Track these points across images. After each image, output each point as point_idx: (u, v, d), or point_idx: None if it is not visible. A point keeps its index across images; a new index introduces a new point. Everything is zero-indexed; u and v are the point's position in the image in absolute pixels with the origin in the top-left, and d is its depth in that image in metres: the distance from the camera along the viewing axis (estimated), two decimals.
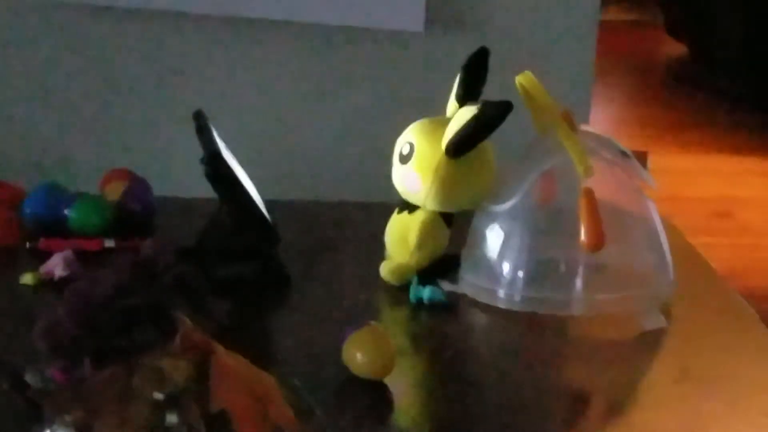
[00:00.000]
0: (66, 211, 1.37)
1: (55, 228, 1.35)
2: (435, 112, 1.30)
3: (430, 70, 1.70)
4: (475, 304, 1.24)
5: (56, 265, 1.25)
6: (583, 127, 1.29)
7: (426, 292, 1.24)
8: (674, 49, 4.83)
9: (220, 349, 0.86)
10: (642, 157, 1.31)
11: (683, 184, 3.30)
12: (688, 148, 3.74)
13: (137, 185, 1.41)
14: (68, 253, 1.27)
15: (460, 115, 1.24)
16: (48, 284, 1.23)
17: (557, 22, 1.75)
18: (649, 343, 1.20)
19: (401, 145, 1.28)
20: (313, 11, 1.69)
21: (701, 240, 1.58)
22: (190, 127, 1.31)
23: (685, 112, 4.15)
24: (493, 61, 1.28)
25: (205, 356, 0.84)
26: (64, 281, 1.21)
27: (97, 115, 1.69)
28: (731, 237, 3.10)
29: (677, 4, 4.80)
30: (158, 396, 0.82)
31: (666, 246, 1.27)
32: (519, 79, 1.25)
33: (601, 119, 3.56)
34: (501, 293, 1.23)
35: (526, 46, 1.72)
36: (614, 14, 4.74)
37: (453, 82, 1.29)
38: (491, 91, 1.28)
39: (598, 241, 1.19)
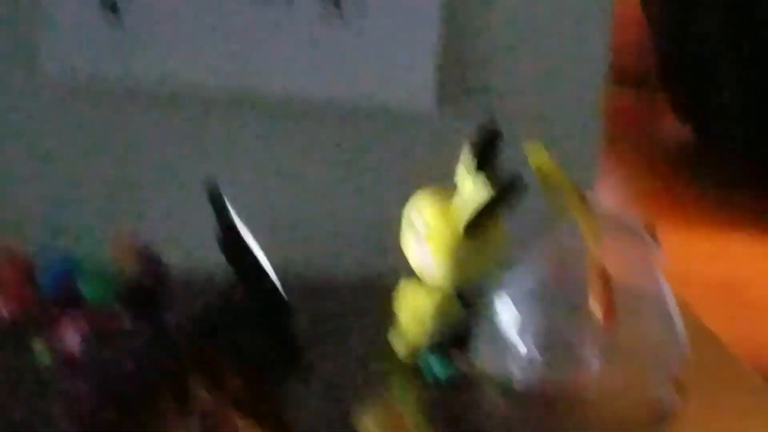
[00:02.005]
0: (80, 284, 1.37)
1: (69, 301, 1.35)
2: (448, 186, 1.31)
3: (441, 147, 1.71)
4: (489, 380, 1.23)
5: (71, 338, 1.25)
6: (594, 203, 1.30)
7: (439, 369, 1.24)
8: (680, 130, 4.87)
9: (237, 421, 0.86)
10: (652, 231, 1.31)
11: (691, 265, 3.30)
12: (695, 228, 3.75)
13: (150, 258, 1.41)
14: (82, 325, 1.27)
15: (476, 194, 1.24)
16: (63, 357, 1.23)
17: (566, 98, 1.77)
18: (664, 419, 1.19)
19: (412, 219, 1.29)
20: (323, 90, 1.71)
21: (710, 318, 1.58)
22: (203, 200, 1.32)
23: (692, 193, 4.17)
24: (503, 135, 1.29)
25: (222, 428, 0.85)
26: (78, 354, 1.21)
27: (109, 187, 1.69)
28: (739, 315, 3.09)
29: (682, 88, 4.84)
30: None
31: (678, 321, 1.27)
32: (532, 157, 1.26)
33: (609, 198, 3.57)
34: (515, 369, 1.23)
35: (535, 124, 1.74)
36: (619, 96, 4.78)
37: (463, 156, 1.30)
38: (501, 165, 1.29)
39: (611, 318, 1.20)
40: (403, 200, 1.34)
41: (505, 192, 1.22)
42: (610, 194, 3.78)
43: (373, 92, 1.71)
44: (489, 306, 1.26)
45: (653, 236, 1.32)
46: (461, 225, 1.24)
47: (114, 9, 1.65)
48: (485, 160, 1.29)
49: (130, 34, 1.67)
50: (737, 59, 4.28)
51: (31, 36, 1.64)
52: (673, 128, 4.90)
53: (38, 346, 1.24)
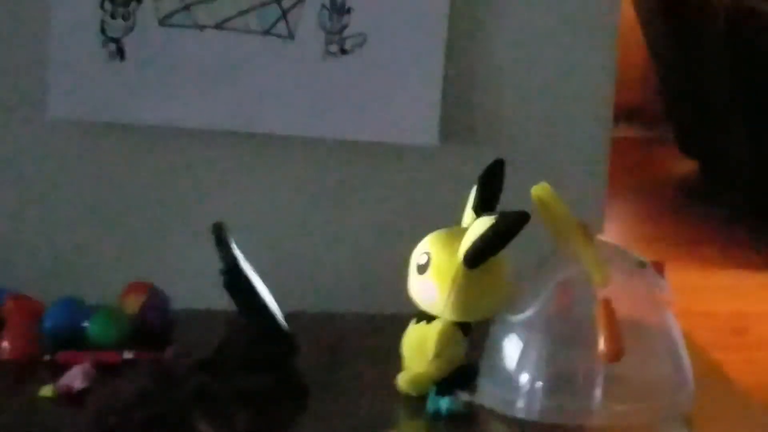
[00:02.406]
0: (85, 324, 1.37)
1: (74, 341, 1.36)
2: (451, 224, 1.32)
3: (445, 183, 1.71)
4: (494, 414, 1.23)
5: (75, 378, 1.25)
6: (599, 238, 1.30)
7: (444, 403, 1.23)
8: (686, 165, 4.86)
9: None
10: (659, 268, 1.31)
11: (698, 300, 3.29)
12: (702, 264, 3.75)
13: (156, 298, 1.42)
14: (87, 365, 1.27)
15: (477, 226, 1.25)
16: (67, 397, 1.23)
17: (571, 136, 1.77)
18: None
19: (418, 256, 1.29)
20: (327, 127, 1.71)
21: (717, 356, 1.57)
22: (208, 240, 1.32)
23: (699, 228, 4.17)
24: (507, 173, 1.29)
25: None
26: (83, 394, 1.21)
27: (114, 229, 1.70)
28: (747, 352, 3.08)
29: (688, 122, 4.85)
30: None
31: (685, 356, 1.27)
32: (535, 191, 1.26)
33: (615, 235, 3.57)
34: (520, 404, 1.22)
35: (539, 159, 1.74)
36: (625, 131, 4.79)
37: (468, 194, 1.31)
38: (505, 203, 1.30)
39: (617, 351, 1.19)
40: (408, 235, 1.34)
41: (506, 223, 1.22)
42: (616, 230, 3.78)
43: (376, 128, 1.71)
44: (493, 339, 1.26)
45: (660, 272, 1.32)
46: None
47: (121, 53, 1.67)
48: (489, 194, 1.30)
49: (136, 77, 1.68)
50: (741, 96, 4.29)
51: (40, 80, 1.65)
52: (679, 163, 4.90)
53: (43, 384, 1.24)
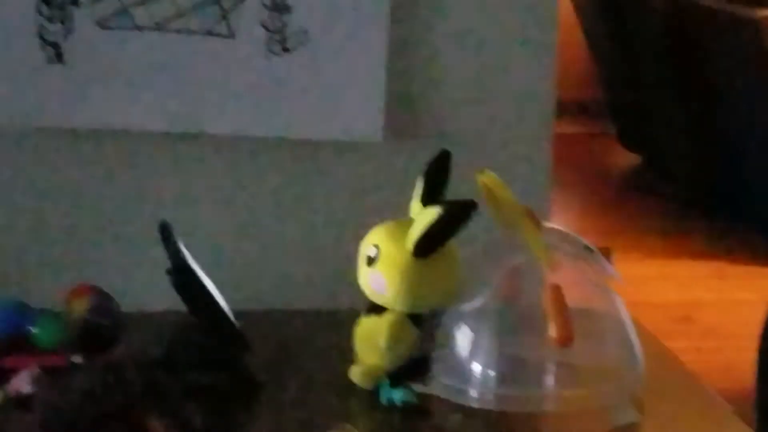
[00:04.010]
0: (31, 328, 1.36)
1: (20, 345, 1.34)
2: (399, 218, 1.32)
3: (391, 179, 1.71)
4: (448, 404, 1.23)
5: (23, 382, 1.24)
6: (546, 224, 1.30)
7: (397, 394, 1.23)
8: (628, 158, 4.91)
9: None
10: (606, 253, 1.32)
11: (643, 290, 3.32)
12: (646, 255, 3.79)
13: (102, 300, 1.40)
14: (34, 369, 1.26)
15: (424, 216, 1.25)
16: (15, 402, 1.22)
17: (514, 130, 1.78)
18: None
19: (367, 248, 1.29)
20: (271, 126, 1.71)
21: (664, 340, 1.59)
22: (155, 240, 1.31)
23: (642, 220, 4.21)
24: (451, 169, 1.30)
25: None
26: (30, 398, 1.20)
27: (60, 232, 1.68)
28: (693, 341, 3.12)
29: (628, 116, 4.90)
30: None
31: (635, 339, 1.28)
32: (481, 178, 1.27)
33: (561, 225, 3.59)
34: (473, 392, 1.22)
35: (483, 154, 1.75)
36: (568, 127, 4.82)
37: (413, 188, 1.31)
38: (451, 197, 1.30)
39: (567, 337, 1.20)
40: (354, 231, 1.34)
41: (453, 212, 1.22)
42: (561, 223, 3.80)
43: (321, 126, 1.71)
44: (444, 328, 1.26)
45: (607, 258, 1.33)
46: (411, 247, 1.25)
47: (60, 57, 1.65)
48: (436, 186, 1.30)
49: (76, 81, 1.66)
50: (681, 89, 4.34)
51: None
52: (622, 156, 4.95)
53: None
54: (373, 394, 1.25)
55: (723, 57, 4.07)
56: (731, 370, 2.73)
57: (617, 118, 5.03)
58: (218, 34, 1.68)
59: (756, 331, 2.35)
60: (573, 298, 1.22)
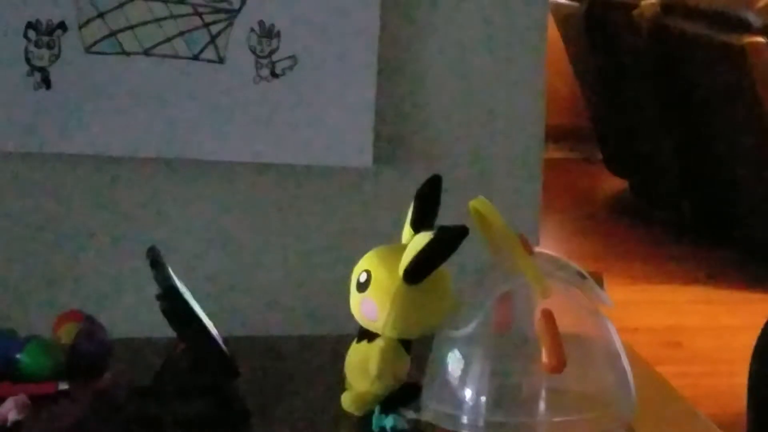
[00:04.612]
0: (17, 356, 1.34)
1: (6, 373, 1.32)
2: (389, 243, 1.31)
3: (380, 204, 1.71)
4: (439, 430, 1.22)
5: (9, 410, 1.22)
6: (538, 250, 1.29)
7: (389, 421, 1.22)
8: (615, 184, 4.93)
9: None
10: (598, 278, 1.31)
11: (631, 315, 3.32)
12: (634, 280, 3.79)
13: (91, 326, 1.39)
14: (21, 397, 1.24)
15: (416, 241, 1.24)
16: (2, 429, 1.20)
17: (504, 155, 1.78)
18: None
19: (358, 274, 1.28)
20: (260, 151, 1.70)
21: (655, 365, 1.58)
22: (143, 266, 1.30)
23: (630, 245, 4.22)
24: (441, 193, 1.29)
25: None
26: (18, 426, 1.19)
27: (47, 258, 1.67)
28: (682, 366, 3.11)
29: (614, 142, 4.91)
30: None
31: (627, 366, 1.27)
32: (473, 204, 1.26)
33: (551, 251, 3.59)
34: (464, 419, 1.21)
35: (473, 178, 1.75)
36: (554, 152, 4.84)
37: (404, 214, 1.30)
38: (441, 223, 1.29)
39: (559, 363, 1.19)
40: (344, 257, 1.33)
41: (445, 237, 1.22)
42: (549, 248, 3.80)
43: (310, 152, 1.71)
44: (435, 355, 1.25)
45: (600, 283, 1.32)
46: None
47: (47, 82, 1.65)
48: (427, 211, 1.29)
49: (63, 106, 1.66)
50: (667, 114, 4.35)
51: None
52: (609, 182, 4.96)
53: None
54: (365, 420, 1.24)
55: (710, 82, 4.09)
56: (721, 396, 2.72)
57: (604, 144, 5.05)
58: (206, 59, 1.68)
59: (745, 355, 2.35)
60: (565, 324, 1.21)
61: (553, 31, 4.54)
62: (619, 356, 1.27)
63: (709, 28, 4.00)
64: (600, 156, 5.03)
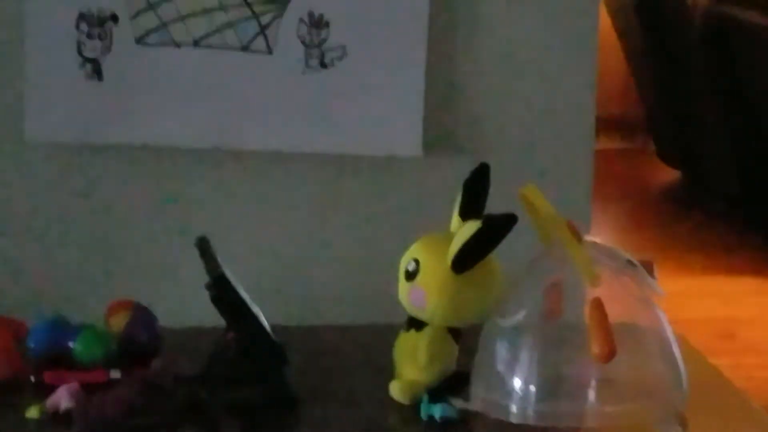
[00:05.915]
0: (70, 344, 1.36)
1: (59, 361, 1.34)
2: (438, 231, 1.31)
3: (430, 193, 1.71)
4: (487, 419, 1.22)
5: (62, 398, 1.24)
6: (587, 238, 1.29)
7: (437, 410, 1.22)
8: (667, 174, 4.88)
9: None
10: (648, 267, 1.30)
11: (684, 306, 3.29)
12: (687, 271, 3.75)
13: (141, 315, 1.40)
14: (73, 385, 1.26)
15: (464, 230, 1.24)
16: (54, 417, 1.22)
17: (555, 144, 1.77)
18: None
19: (407, 262, 1.28)
20: (310, 141, 1.70)
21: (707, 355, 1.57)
22: (194, 256, 1.30)
23: (683, 235, 4.18)
24: (491, 183, 1.29)
25: None
26: (69, 414, 1.20)
27: (98, 247, 1.69)
28: (735, 357, 3.08)
29: (667, 132, 4.86)
30: None
31: (678, 355, 1.26)
32: (522, 191, 1.26)
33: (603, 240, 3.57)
34: (513, 408, 1.21)
35: (524, 168, 1.74)
36: (605, 143, 4.80)
37: (453, 202, 1.30)
38: (490, 211, 1.29)
39: (609, 352, 1.18)
40: (394, 245, 1.33)
41: (493, 226, 1.21)
42: (601, 235, 3.78)
43: (360, 141, 1.71)
44: (484, 344, 1.25)
45: (650, 272, 1.31)
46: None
47: (98, 74, 1.66)
48: (475, 199, 1.29)
49: (114, 97, 1.67)
50: (721, 103, 4.30)
51: (17, 103, 1.64)
52: (661, 172, 4.92)
53: (29, 406, 1.23)
54: (413, 409, 1.24)
55: (764, 70, 4.03)
56: None
57: (656, 134, 5.00)
58: (256, 50, 1.68)
59: None
60: (615, 312, 1.21)
61: (605, 21, 4.50)
62: (670, 345, 1.26)
63: (764, 16, 3.95)
64: (652, 147, 4.98)
